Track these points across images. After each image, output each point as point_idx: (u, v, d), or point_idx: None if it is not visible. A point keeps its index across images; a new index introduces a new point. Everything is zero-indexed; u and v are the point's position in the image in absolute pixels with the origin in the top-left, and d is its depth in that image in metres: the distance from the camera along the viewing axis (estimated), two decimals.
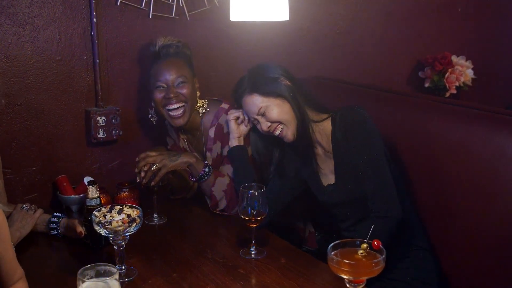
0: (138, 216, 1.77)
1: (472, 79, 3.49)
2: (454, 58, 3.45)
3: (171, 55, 2.31)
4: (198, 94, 2.38)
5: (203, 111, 2.39)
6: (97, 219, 1.76)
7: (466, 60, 3.48)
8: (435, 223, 2.15)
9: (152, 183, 2.17)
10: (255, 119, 2.15)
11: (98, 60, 2.41)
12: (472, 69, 3.49)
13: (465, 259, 2.06)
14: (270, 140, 2.22)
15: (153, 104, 2.34)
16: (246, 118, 2.25)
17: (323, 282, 1.76)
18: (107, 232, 1.75)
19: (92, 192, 1.98)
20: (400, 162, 2.23)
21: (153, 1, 2.48)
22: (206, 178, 2.23)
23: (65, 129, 2.42)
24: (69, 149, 2.45)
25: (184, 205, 2.45)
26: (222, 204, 2.25)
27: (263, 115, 2.12)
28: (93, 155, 2.51)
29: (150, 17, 2.50)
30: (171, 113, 2.30)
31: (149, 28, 2.52)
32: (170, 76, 2.27)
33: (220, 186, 2.25)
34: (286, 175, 2.21)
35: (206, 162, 2.26)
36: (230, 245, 2.05)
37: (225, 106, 2.38)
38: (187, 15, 2.58)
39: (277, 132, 2.12)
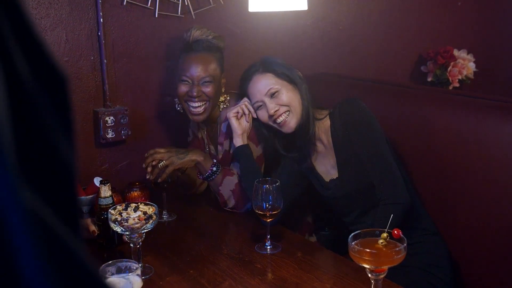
0: (154, 213, 1.77)
1: (474, 72, 3.50)
2: (456, 52, 3.47)
3: (202, 49, 2.27)
4: (222, 90, 2.35)
5: (223, 106, 2.37)
6: (113, 217, 1.75)
7: (468, 53, 3.50)
8: (442, 211, 2.16)
9: (159, 180, 2.17)
10: (261, 101, 2.12)
11: (105, 60, 2.41)
12: (474, 62, 3.51)
13: (473, 245, 2.07)
14: (274, 135, 2.21)
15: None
16: (247, 113, 2.21)
17: (341, 274, 1.76)
18: (123, 229, 1.74)
19: (105, 191, 1.98)
20: (407, 153, 2.23)
21: (159, 0, 2.48)
22: (213, 176, 2.23)
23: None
24: (78, 150, 2.44)
25: (193, 202, 2.44)
26: (231, 202, 2.25)
27: (272, 96, 2.09)
28: (102, 156, 2.50)
29: (156, 16, 2.50)
30: (192, 109, 2.28)
31: (155, 27, 2.52)
32: (196, 73, 2.24)
33: (227, 185, 2.24)
34: (290, 171, 2.21)
35: (215, 160, 2.25)
36: (245, 241, 2.05)
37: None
38: (193, 14, 2.58)
39: (280, 119, 2.09)
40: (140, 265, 1.79)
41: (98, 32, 2.38)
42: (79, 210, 0.38)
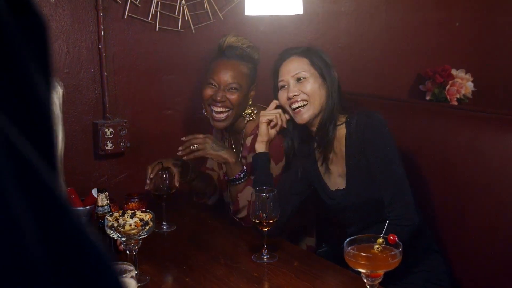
0: (151, 220, 1.77)
1: (472, 91, 3.52)
2: (454, 71, 3.49)
3: (235, 57, 2.26)
4: (250, 102, 2.33)
5: (249, 119, 2.34)
6: (110, 223, 1.75)
7: (466, 73, 3.52)
8: (445, 225, 2.16)
9: (185, 158, 2.17)
10: (286, 81, 2.09)
11: (105, 73, 2.43)
12: (472, 81, 3.53)
13: (476, 260, 2.06)
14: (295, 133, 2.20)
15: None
16: (279, 123, 2.17)
17: (338, 283, 1.76)
18: (120, 235, 1.74)
19: (102, 199, 1.98)
20: (409, 167, 2.24)
21: (159, 15, 2.52)
22: (238, 182, 2.21)
23: (73, 142, 2.43)
24: (76, 161, 2.45)
25: (193, 213, 2.44)
26: (243, 213, 2.22)
27: (298, 80, 2.06)
28: (100, 167, 2.51)
29: (157, 30, 2.53)
30: (214, 114, 2.26)
31: (155, 41, 2.55)
32: (224, 77, 2.23)
33: (247, 194, 2.18)
34: (294, 179, 2.20)
35: (245, 168, 2.23)
36: (242, 251, 2.05)
37: None
38: (193, 29, 2.61)
39: (296, 104, 2.06)
40: (136, 272, 1.79)
41: (99, 45, 2.41)
42: (55, 154, 0.37)
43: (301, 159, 2.19)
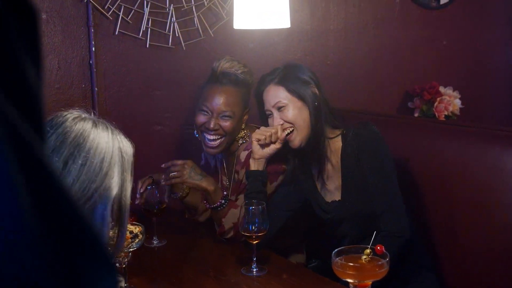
0: (141, 232, 1.78)
1: (460, 108, 3.57)
2: (441, 89, 3.54)
3: (229, 83, 2.24)
4: (243, 126, 2.32)
5: (243, 141, 2.32)
6: None
7: (454, 90, 3.57)
8: (435, 239, 2.17)
9: (162, 182, 2.18)
10: (270, 111, 2.11)
11: (96, 88, 2.45)
12: (460, 99, 3.58)
13: (468, 275, 2.07)
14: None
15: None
16: (268, 142, 2.12)
17: None
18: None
19: None
20: (398, 181, 2.26)
21: (150, 31, 2.55)
22: (219, 208, 2.21)
23: None
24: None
25: (183, 228, 2.45)
26: (229, 234, 2.21)
27: (279, 110, 2.08)
28: None
29: (147, 46, 2.56)
30: (207, 141, 2.25)
31: (146, 57, 2.58)
32: (217, 105, 2.21)
33: (231, 218, 2.20)
34: (286, 194, 2.21)
35: (225, 193, 2.22)
36: (231, 264, 2.05)
37: None
38: (183, 45, 2.64)
39: (285, 132, 2.08)
40: (126, 285, 1.79)
41: (90, 61, 2.44)
42: (44, 132, 0.38)
43: (295, 176, 2.20)
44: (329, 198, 2.16)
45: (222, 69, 2.24)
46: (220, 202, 2.20)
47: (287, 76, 2.11)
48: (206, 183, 2.18)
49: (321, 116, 2.09)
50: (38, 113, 0.41)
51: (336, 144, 2.12)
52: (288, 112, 2.07)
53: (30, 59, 0.40)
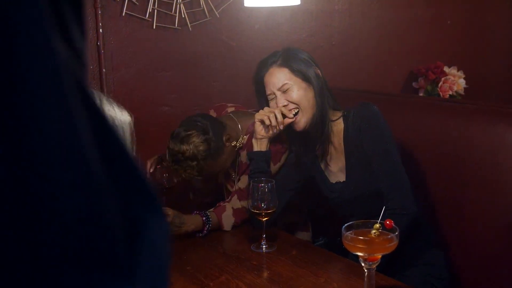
0: None
1: (465, 88, 3.58)
2: (446, 69, 3.55)
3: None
4: (239, 139, 2.29)
5: (240, 145, 2.28)
6: None
7: (458, 70, 3.58)
8: (442, 217, 2.19)
9: None
10: (273, 93, 2.08)
11: (104, 70, 2.47)
12: (464, 79, 3.59)
13: (474, 252, 2.10)
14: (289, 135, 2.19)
15: None
16: (273, 124, 2.08)
17: (335, 269, 1.80)
18: None
19: None
20: (402, 161, 2.28)
21: (157, 12, 2.56)
22: (210, 224, 2.15)
23: None
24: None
25: (193, 206, 2.47)
26: (230, 227, 2.21)
27: (284, 92, 2.06)
28: None
29: (154, 27, 2.57)
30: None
31: (153, 39, 2.59)
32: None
33: (228, 222, 2.19)
34: (287, 174, 2.23)
35: (204, 218, 2.13)
36: (241, 241, 2.09)
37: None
38: (189, 26, 2.65)
39: (290, 115, 2.06)
40: None
41: (97, 42, 2.45)
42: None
43: (299, 157, 2.21)
44: (333, 179, 2.17)
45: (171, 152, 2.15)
46: (206, 228, 2.13)
47: (290, 57, 2.09)
48: (186, 227, 2.09)
49: (325, 97, 2.09)
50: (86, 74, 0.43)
51: (338, 126, 2.12)
52: (293, 93, 2.05)
53: (75, 23, 0.42)
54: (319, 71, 2.11)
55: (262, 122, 2.10)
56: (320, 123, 2.08)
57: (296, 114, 2.07)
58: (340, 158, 2.14)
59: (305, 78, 2.07)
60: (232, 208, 2.20)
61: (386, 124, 2.05)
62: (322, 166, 2.19)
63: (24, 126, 0.35)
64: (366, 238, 1.50)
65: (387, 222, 1.55)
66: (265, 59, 2.14)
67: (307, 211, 2.47)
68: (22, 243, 0.35)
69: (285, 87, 2.06)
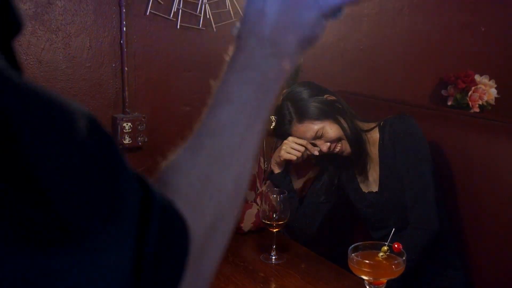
0: None
1: (496, 98, 3.49)
2: (477, 77, 3.46)
3: None
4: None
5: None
6: None
7: (490, 79, 3.48)
8: (464, 238, 2.13)
9: None
10: (313, 143, 2.07)
11: (126, 68, 2.47)
12: (496, 88, 3.49)
13: (496, 275, 2.04)
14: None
15: None
16: (303, 155, 2.10)
17: (342, 287, 1.77)
18: None
19: None
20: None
21: (181, 12, 2.55)
22: None
23: None
24: None
25: None
26: (248, 229, 2.22)
27: (320, 137, 2.04)
28: None
29: (178, 27, 2.56)
30: None
31: (176, 38, 2.58)
32: None
33: (248, 219, 2.19)
34: (322, 187, 2.21)
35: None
36: (251, 251, 2.08)
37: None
38: (214, 27, 2.64)
39: (337, 149, 2.05)
40: None
41: (120, 41, 2.45)
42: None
43: (332, 177, 2.20)
44: (365, 189, 2.15)
45: None
46: None
47: (300, 107, 2.05)
48: None
49: (347, 115, 2.07)
50: None
51: (373, 136, 2.11)
52: (329, 133, 2.03)
53: None
54: (328, 95, 2.08)
55: (290, 156, 2.10)
56: (356, 139, 2.06)
57: (340, 149, 2.07)
58: (375, 168, 2.12)
59: (327, 115, 2.04)
60: (258, 209, 2.20)
61: (424, 139, 2.03)
62: (359, 176, 2.17)
63: None
64: (372, 262, 1.47)
65: (395, 246, 1.52)
66: (281, 121, 2.09)
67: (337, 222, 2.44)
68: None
69: (319, 134, 2.04)
